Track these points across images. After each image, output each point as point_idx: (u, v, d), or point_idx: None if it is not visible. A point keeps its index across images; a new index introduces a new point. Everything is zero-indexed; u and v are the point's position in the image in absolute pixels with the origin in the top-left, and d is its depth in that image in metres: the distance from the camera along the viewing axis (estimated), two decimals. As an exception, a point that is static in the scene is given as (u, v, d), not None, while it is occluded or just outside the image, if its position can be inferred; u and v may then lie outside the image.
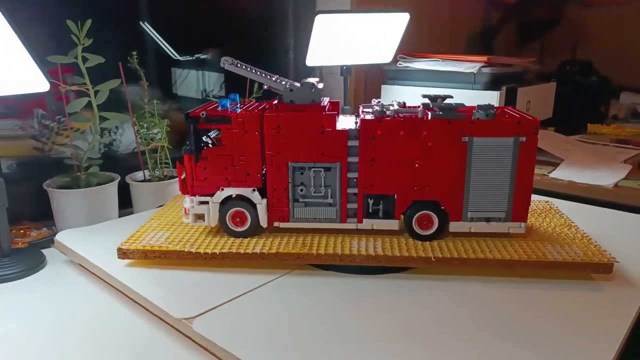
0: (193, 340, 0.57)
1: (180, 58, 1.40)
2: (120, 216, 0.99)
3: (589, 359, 0.51)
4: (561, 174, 1.11)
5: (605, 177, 1.06)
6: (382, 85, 1.36)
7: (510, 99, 1.19)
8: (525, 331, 0.57)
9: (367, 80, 1.47)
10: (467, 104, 0.72)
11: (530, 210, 0.85)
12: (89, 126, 1.01)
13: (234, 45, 1.44)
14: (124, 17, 1.24)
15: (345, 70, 1.24)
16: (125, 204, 1.04)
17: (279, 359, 0.51)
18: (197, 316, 0.59)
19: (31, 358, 0.55)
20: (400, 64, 1.32)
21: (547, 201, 0.90)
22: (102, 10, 1.11)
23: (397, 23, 1.17)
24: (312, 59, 1.17)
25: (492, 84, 1.18)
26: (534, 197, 0.84)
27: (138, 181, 1.04)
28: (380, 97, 1.39)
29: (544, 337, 0.55)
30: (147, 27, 1.31)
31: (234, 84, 1.29)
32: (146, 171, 1.07)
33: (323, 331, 0.57)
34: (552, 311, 0.61)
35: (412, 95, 1.15)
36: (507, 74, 1.23)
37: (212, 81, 1.46)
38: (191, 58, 1.42)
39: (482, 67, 1.18)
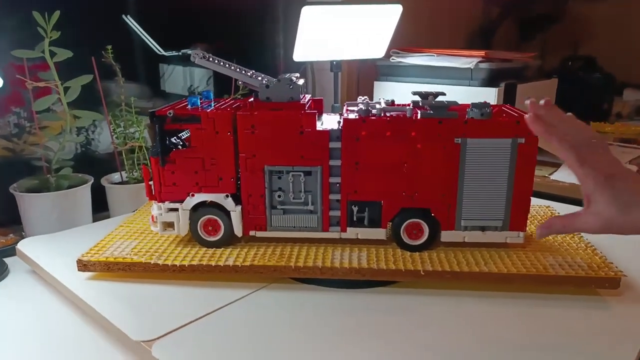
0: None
1: (165, 53, 1.33)
2: (94, 221, 0.93)
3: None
4: (563, 175, 1.05)
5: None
6: (375, 82, 1.30)
7: (509, 96, 1.13)
8: (525, 353, 0.51)
9: (359, 77, 1.41)
10: (463, 102, 0.65)
11: (529, 216, 0.79)
12: (61, 126, 0.95)
13: (222, 39, 1.38)
14: (106, 10, 1.17)
15: (335, 66, 1.18)
16: (102, 208, 0.99)
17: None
18: (157, 338, 0.53)
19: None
20: (393, 59, 1.25)
21: (548, 206, 0.84)
22: (81, 2, 1.05)
23: (389, 16, 1.11)
24: (300, 54, 1.11)
25: (490, 80, 1.11)
26: (533, 201, 0.77)
27: (114, 183, 0.99)
28: (373, 94, 1.33)
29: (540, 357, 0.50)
30: (129, 21, 1.24)
31: (222, 81, 1.24)
32: (123, 173, 1.01)
33: (301, 354, 0.51)
34: (554, 332, 0.55)
35: (406, 92, 1.09)
36: (506, 70, 1.16)
37: (198, 77, 1.40)
38: (177, 53, 1.36)
39: (480, 62, 1.12)
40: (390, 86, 1.26)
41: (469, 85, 1.13)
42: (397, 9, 1.10)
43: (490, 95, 1.10)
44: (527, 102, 0.54)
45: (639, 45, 2.03)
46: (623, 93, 2.00)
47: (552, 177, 1.06)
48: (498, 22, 2.07)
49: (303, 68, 1.35)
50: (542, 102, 0.53)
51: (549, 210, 0.82)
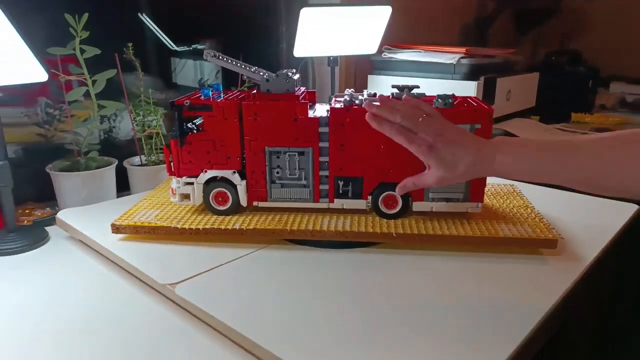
0: (176, 303, 0.65)
1: (177, 48, 1.46)
2: (118, 197, 1.06)
3: (520, 318, 0.58)
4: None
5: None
6: (369, 75, 1.42)
7: (488, 88, 1.25)
8: (468, 296, 0.64)
9: (356, 70, 1.53)
10: (445, 94, 0.77)
11: (493, 192, 0.92)
12: (89, 114, 1.08)
13: (230, 35, 1.50)
14: (124, 9, 1.30)
15: (332, 61, 1.31)
16: (124, 187, 1.12)
17: (250, 319, 0.59)
18: (179, 282, 0.66)
19: (31, 322, 0.63)
20: (385, 54, 1.37)
21: (512, 185, 0.96)
22: (102, 2, 1.17)
23: (380, 16, 1.23)
24: (300, 50, 1.23)
25: (470, 74, 1.24)
26: (500, 180, 0.90)
27: (135, 165, 1.12)
28: (367, 86, 1.45)
29: (486, 301, 0.62)
30: (145, 18, 1.37)
31: (230, 74, 1.37)
32: (142, 156, 1.14)
33: (293, 297, 0.64)
34: (497, 280, 0.68)
35: (398, 84, 1.21)
36: (486, 65, 1.28)
37: (208, 71, 1.52)
38: (188, 48, 1.48)
39: (461, 58, 1.24)
40: (382, 79, 1.38)
41: (452, 79, 1.25)
42: (387, 10, 1.22)
43: (470, 88, 1.22)
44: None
45: (627, 40, 2.13)
46: (610, 86, 2.10)
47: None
48: (493, 16, 2.17)
49: (304, 63, 1.47)
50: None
51: (511, 188, 0.95)
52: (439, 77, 1.27)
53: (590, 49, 2.04)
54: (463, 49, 1.24)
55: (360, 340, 0.55)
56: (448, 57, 1.24)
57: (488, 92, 1.24)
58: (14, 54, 0.73)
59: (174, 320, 0.62)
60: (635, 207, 0.93)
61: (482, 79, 1.23)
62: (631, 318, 1.07)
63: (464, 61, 1.23)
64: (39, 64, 0.76)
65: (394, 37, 1.42)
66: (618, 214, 0.90)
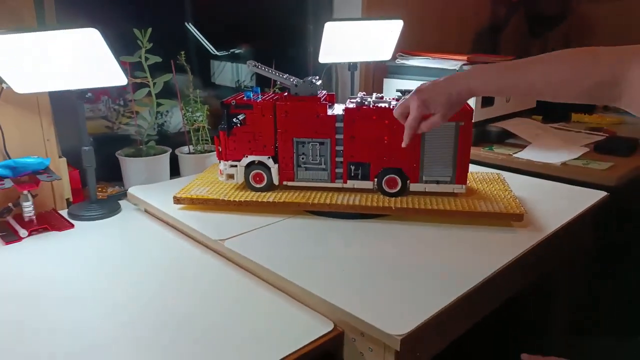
0: (224, 257, 0.87)
1: (218, 53, 1.68)
2: (170, 179, 1.29)
3: (479, 269, 0.77)
4: (524, 154, 1.34)
5: (558, 157, 1.29)
6: (384, 79, 1.62)
7: (488, 91, 1.42)
8: (445, 255, 0.83)
9: (374, 75, 1.72)
10: None
11: (481, 179, 1.11)
12: (148, 110, 1.31)
13: (264, 42, 1.71)
14: (173, 20, 1.53)
15: (352, 67, 1.51)
16: (175, 171, 1.35)
17: (282, 265, 0.80)
18: (227, 238, 0.88)
19: (111, 270, 0.85)
20: (398, 61, 1.57)
21: (498, 173, 1.15)
22: (157, 17, 1.40)
23: (393, 28, 1.43)
24: (324, 57, 1.44)
25: (471, 79, 1.41)
26: (488, 169, 1.09)
27: (185, 153, 1.34)
28: (383, 89, 1.65)
29: (455, 258, 0.82)
30: (191, 28, 1.60)
31: (263, 76, 1.58)
32: (190, 146, 1.36)
33: (315, 253, 0.85)
34: (469, 244, 0.87)
35: (409, 88, 1.40)
36: (486, 71, 1.46)
37: (244, 73, 1.74)
38: (227, 53, 1.70)
39: (464, 64, 1.42)
40: (396, 82, 1.57)
41: (455, 83, 1.44)
42: (399, 23, 1.41)
43: (471, 90, 1.40)
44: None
45: (635, 42, 2.24)
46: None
47: (515, 155, 1.35)
48: (505, 22, 2.32)
49: (328, 68, 1.67)
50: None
51: (497, 176, 1.13)
52: (444, 81, 1.45)
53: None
54: (465, 57, 1.43)
55: (362, 283, 0.76)
56: (452, 63, 1.43)
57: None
58: (102, 63, 0.95)
59: (221, 267, 0.84)
60: (602, 193, 1.10)
61: (482, 83, 1.41)
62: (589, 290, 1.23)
63: (466, 67, 1.42)
64: (120, 70, 0.98)
65: (411, 44, 1.61)
66: (586, 199, 1.07)
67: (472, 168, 1.25)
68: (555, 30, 2.43)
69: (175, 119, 1.51)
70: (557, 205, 1.04)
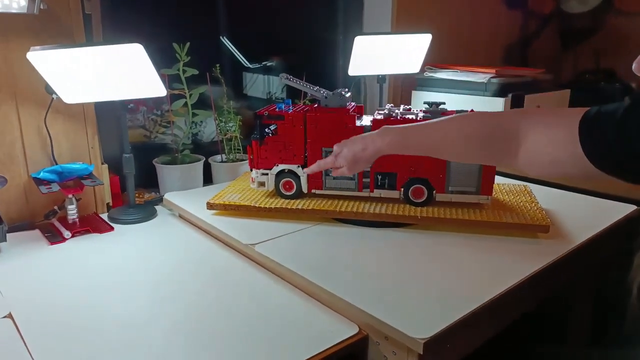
0: (254, 261, 0.90)
1: (251, 66, 1.74)
2: (203, 186, 1.34)
3: (503, 279, 0.79)
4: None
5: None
6: (413, 91, 1.64)
7: (517, 104, 1.43)
8: (470, 264, 0.85)
9: (402, 87, 1.75)
10: (477, 109, 0.98)
11: (507, 190, 1.12)
12: (184, 120, 1.37)
13: (295, 55, 1.76)
14: (209, 34, 1.59)
15: (381, 79, 1.54)
16: (208, 179, 1.40)
17: (310, 269, 0.83)
18: (257, 243, 0.92)
19: (149, 269, 0.90)
20: (426, 73, 1.59)
21: (525, 185, 1.16)
22: (194, 32, 1.47)
23: (421, 41, 1.45)
24: (354, 69, 1.48)
25: (500, 92, 1.43)
26: (515, 181, 1.10)
27: (217, 162, 1.40)
28: (411, 101, 1.67)
29: (480, 267, 0.84)
30: (225, 41, 1.66)
31: (293, 88, 1.63)
32: (223, 155, 1.42)
33: (341, 258, 0.88)
34: (493, 254, 0.88)
35: (436, 100, 1.42)
36: (514, 84, 1.47)
37: (275, 85, 1.79)
38: (259, 65, 1.76)
39: (492, 77, 1.44)
40: (424, 94, 1.60)
41: (483, 96, 1.45)
42: (427, 37, 1.44)
43: (499, 104, 1.41)
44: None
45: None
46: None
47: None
48: (535, 36, 2.32)
49: (357, 80, 1.71)
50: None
51: (524, 187, 1.14)
52: (472, 93, 1.47)
53: (629, 66, 2.14)
54: (494, 70, 1.44)
55: (387, 288, 0.78)
56: (480, 76, 1.45)
57: (516, 107, 1.43)
58: (144, 75, 1.01)
59: (250, 270, 0.88)
60: (632, 207, 1.10)
61: (510, 95, 1.42)
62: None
63: (494, 80, 1.43)
64: (161, 82, 1.04)
65: (440, 58, 1.63)
66: (614, 212, 1.07)
67: (499, 179, 1.26)
68: (587, 44, 2.42)
69: (209, 129, 1.57)
70: (585, 218, 1.04)
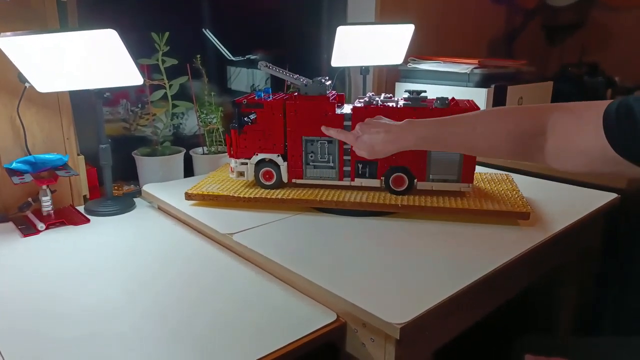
0: (233, 251, 0.89)
1: (234, 58, 1.72)
2: (184, 178, 1.32)
3: (481, 264, 0.78)
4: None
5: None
6: (396, 83, 1.63)
7: (499, 95, 1.43)
8: (449, 251, 0.84)
9: (387, 78, 1.74)
10: (460, 99, 0.98)
11: (489, 179, 1.11)
12: (164, 112, 1.35)
13: (279, 47, 1.74)
14: (191, 26, 1.57)
15: (364, 70, 1.53)
16: (189, 172, 1.38)
17: (288, 258, 0.81)
18: (236, 232, 0.90)
19: (126, 260, 0.88)
20: (410, 65, 1.58)
21: (507, 174, 1.15)
22: (175, 23, 1.45)
23: (404, 32, 1.44)
24: (336, 61, 1.46)
25: (482, 83, 1.42)
26: (498, 171, 1.10)
27: (199, 154, 1.38)
28: (395, 92, 1.66)
29: (459, 253, 0.83)
30: (208, 34, 1.64)
31: (278, 80, 1.61)
32: (204, 147, 1.40)
33: (320, 247, 0.87)
34: (473, 240, 0.88)
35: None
36: (497, 74, 1.47)
37: (258, 78, 1.77)
38: (242, 58, 1.74)
39: (475, 68, 1.43)
40: (407, 86, 1.59)
41: (466, 86, 1.45)
42: (410, 27, 1.43)
43: (481, 94, 1.41)
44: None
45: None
46: (634, 94, 2.21)
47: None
48: (520, 30, 2.33)
49: (341, 72, 1.70)
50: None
51: (506, 176, 1.14)
52: (455, 84, 1.46)
53: (613, 60, 2.16)
54: (476, 60, 1.44)
55: (365, 275, 0.77)
56: (463, 67, 1.44)
57: (498, 98, 1.43)
58: (120, 63, 0.99)
59: (228, 260, 0.86)
60: (612, 195, 1.10)
61: (492, 86, 1.42)
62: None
63: (477, 71, 1.42)
64: (137, 71, 1.01)
65: (426, 50, 1.62)
66: (595, 200, 1.07)
67: (482, 169, 1.26)
68: (572, 39, 2.43)
69: (191, 122, 1.55)
70: (566, 206, 1.04)
